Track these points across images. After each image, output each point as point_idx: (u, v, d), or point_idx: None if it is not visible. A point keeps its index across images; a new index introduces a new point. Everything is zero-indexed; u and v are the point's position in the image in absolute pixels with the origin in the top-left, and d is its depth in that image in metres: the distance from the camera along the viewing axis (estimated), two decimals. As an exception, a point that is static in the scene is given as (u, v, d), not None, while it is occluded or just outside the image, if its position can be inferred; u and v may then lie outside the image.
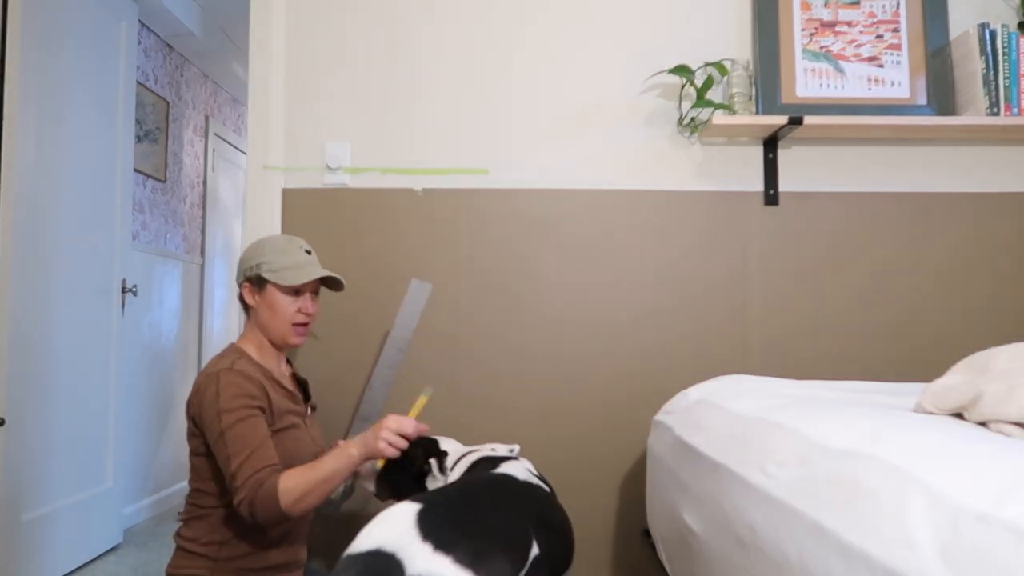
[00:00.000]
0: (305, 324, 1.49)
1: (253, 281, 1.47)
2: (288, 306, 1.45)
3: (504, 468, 1.17)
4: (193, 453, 1.39)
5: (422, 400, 1.42)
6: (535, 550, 0.94)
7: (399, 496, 1.34)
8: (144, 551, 2.63)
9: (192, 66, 3.60)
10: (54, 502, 2.28)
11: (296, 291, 1.46)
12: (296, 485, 1.25)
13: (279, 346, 1.50)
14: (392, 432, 1.30)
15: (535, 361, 1.93)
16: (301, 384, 1.60)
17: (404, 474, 1.33)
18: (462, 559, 0.81)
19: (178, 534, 1.38)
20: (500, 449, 1.34)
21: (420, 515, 0.86)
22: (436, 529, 0.84)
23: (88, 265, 2.47)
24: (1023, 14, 1.96)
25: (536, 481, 1.15)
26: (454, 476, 1.26)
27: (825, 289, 1.94)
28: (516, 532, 0.92)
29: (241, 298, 1.50)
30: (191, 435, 1.39)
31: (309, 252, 1.50)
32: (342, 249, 1.94)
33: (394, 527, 0.84)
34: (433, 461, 1.32)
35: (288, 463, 1.32)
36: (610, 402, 1.92)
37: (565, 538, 1.09)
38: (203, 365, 3.62)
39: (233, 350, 1.45)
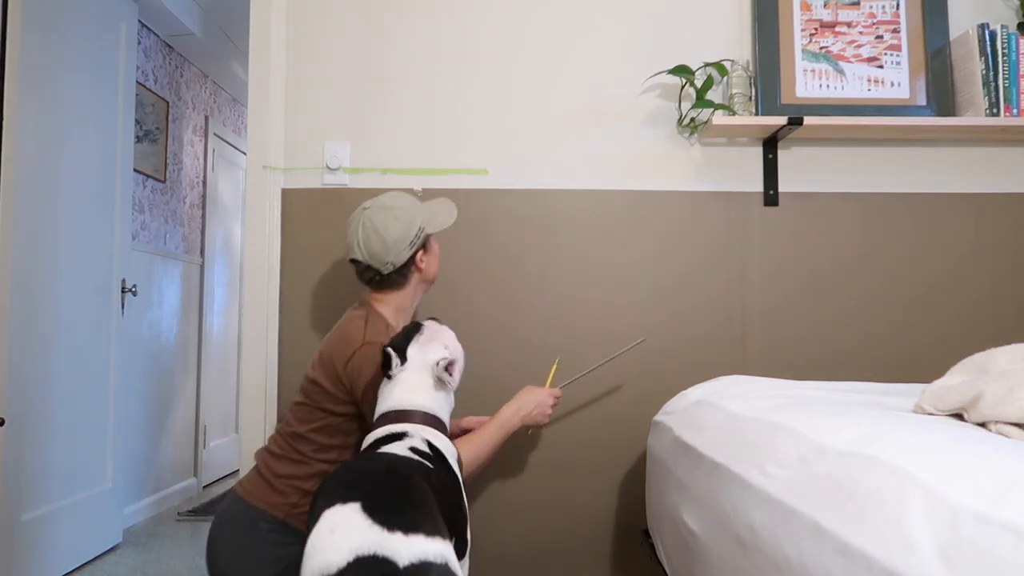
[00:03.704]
0: None
1: (421, 246, 1.54)
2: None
3: (389, 448, 1.10)
4: (311, 402, 1.42)
5: (554, 368, 1.75)
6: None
7: None
8: (143, 551, 2.63)
9: (192, 66, 3.60)
10: (54, 502, 2.28)
11: None
12: (467, 455, 1.40)
13: (431, 284, 1.64)
14: (550, 408, 1.60)
15: (534, 361, 1.93)
16: None
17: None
18: (430, 532, 0.85)
19: (267, 466, 1.39)
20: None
21: (367, 511, 0.86)
22: (390, 517, 0.85)
23: (88, 265, 2.47)
24: (1023, 14, 1.96)
25: (416, 458, 1.09)
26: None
27: (825, 289, 1.94)
28: (431, 502, 0.95)
29: (396, 273, 1.51)
30: (320, 389, 1.40)
31: (413, 190, 1.72)
32: (342, 249, 1.94)
33: (354, 531, 0.83)
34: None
35: None
36: (610, 402, 1.92)
37: (454, 499, 1.09)
38: (203, 365, 3.64)
39: (375, 315, 1.50)
